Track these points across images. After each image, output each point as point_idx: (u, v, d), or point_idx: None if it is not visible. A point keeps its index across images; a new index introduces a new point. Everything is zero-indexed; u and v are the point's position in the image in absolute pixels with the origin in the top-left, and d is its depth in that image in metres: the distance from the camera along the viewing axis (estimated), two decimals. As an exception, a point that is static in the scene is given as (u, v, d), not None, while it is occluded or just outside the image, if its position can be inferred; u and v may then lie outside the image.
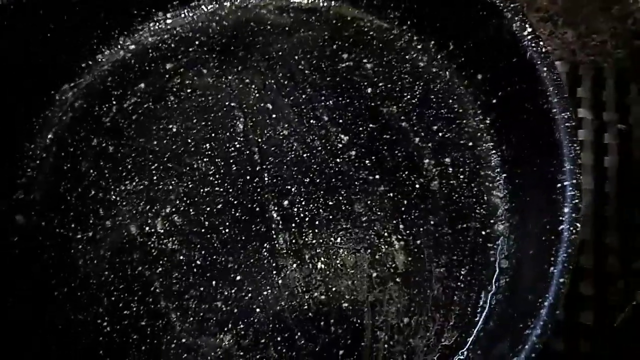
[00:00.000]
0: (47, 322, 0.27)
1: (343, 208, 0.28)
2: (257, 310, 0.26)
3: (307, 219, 0.28)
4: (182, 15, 0.34)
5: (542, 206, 0.24)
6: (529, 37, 0.24)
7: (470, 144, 0.29)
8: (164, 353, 0.26)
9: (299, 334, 0.26)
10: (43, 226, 0.29)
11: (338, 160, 0.30)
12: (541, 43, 0.23)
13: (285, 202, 0.29)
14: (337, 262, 0.27)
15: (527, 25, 0.24)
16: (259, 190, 0.29)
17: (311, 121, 0.31)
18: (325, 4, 0.34)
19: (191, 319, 0.26)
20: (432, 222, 0.28)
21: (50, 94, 0.32)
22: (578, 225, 0.20)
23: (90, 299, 0.27)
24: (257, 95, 0.32)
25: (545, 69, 0.23)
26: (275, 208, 0.29)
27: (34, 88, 0.31)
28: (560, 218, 0.20)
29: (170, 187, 0.29)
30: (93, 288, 0.27)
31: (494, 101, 0.28)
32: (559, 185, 0.21)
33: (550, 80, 0.23)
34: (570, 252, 0.20)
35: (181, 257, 0.28)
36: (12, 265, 0.28)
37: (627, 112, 0.32)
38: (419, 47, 0.32)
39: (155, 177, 0.30)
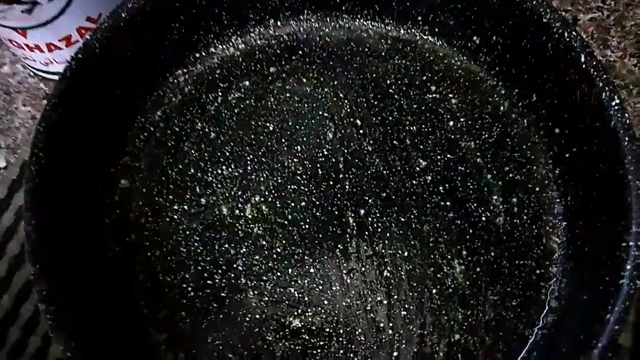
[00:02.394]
0: (139, 280, 0.30)
1: (413, 226, 0.31)
2: (325, 302, 0.30)
3: (379, 229, 0.31)
4: (290, 26, 0.37)
5: (601, 258, 0.27)
6: (616, 107, 0.26)
7: (537, 189, 0.32)
8: (238, 323, 0.29)
9: (359, 330, 0.29)
10: (144, 192, 0.33)
11: (414, 182, 0.32)
12: (626, 115, 0.26)
13: (362, 211, 0.32)
14: (402, 273, 0.30)
15: (615, 97, 0.27)
16: (339, 196, 0.32)
17: (394, 142, 0.34)
18: (421, 38, 0.37)
19: (266, 298, 0.30)
20: (492, 254, 0.31)
21: (165, 76, 0.36)
22: (638, 282, 0.23)
23: (179, 265, 0.31)
24: (348, 110, 0.35)
25: (627, 139, 0.26)
26: (352, 215, 0.32)
27: (152, 69, 0.35)
28: (622, 273, 0.23)
29: (262, 179, 0.33)
30: (182, 255, 0.31)
31: (567, 155, 0.31)
32: (623, 244, 0.24)
33: (630, 150, 0.25)
34: (627, 304, 0.22)
35: (264, 243, 0.31)
36: (112, 222, 0.32)
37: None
38: (502, 92, 0.35)
39: (249, 168, 0.33)
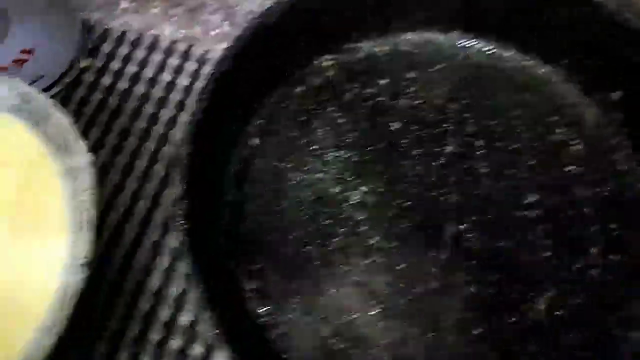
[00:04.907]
0: (244, 227, 0.34)
1: (506, 254, 0.32)
2: (402, 302, 0.31)
3: (473, 247, 0.32)
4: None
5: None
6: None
7: (641, 254, 0.32)
8: (324, 291, 0.32)
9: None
10: (269, 153, 0.36)
11: (518, 213, 0.33)
12: None
13: (462, 227, 0.33)
14: (486, 296, 0.31)
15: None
16: (443, 206, 0.34)
17: (511, 170, 0.35)
18: (557, 79, 0.37)
19: (356, 278, 0.32)
20: (578, 301, 0.31)
21: (312, 59, 0.39)
22: None
23: (284, 228, 0.34)
24: (470, 131, 0.36)
25: None
26: (451, 227, 0.33)
27: (302, 51, 0.38)
28: None
29: (375, 171, 0.35)
30: (288, 221, 0.34)
31: None
32: None
33: None
34: None
35: (362, 230, 0.33)
36: (235, 172, 0.35)
37: None
38: (622, 144, 0.35)
39: (366, 157, 0.36)
